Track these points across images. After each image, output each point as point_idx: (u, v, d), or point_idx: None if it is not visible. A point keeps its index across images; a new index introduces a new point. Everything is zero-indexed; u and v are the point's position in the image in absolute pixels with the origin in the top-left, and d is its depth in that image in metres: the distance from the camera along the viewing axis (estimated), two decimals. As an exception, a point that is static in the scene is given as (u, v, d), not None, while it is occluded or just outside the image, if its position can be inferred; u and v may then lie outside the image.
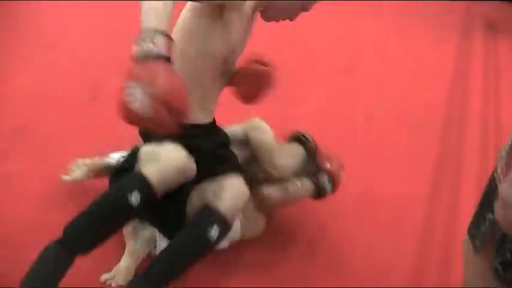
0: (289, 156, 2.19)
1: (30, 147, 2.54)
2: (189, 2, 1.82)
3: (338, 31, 4.06)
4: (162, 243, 2.00)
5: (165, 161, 1.79)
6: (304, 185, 2.18)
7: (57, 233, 1.71)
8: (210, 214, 1.82)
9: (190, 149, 1.86)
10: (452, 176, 2.72)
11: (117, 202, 1.74)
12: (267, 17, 1.91)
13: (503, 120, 3.19)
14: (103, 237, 1.74)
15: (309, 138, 2.24)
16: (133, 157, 1.91)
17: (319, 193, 2.20)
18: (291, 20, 1.92)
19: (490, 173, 1.38)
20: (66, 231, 1.71)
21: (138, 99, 1.35)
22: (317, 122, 3.00)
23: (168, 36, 1.39)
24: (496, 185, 1.36)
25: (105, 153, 2.34)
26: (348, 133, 2.95)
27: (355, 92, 2.99)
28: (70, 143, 2.66)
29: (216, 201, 1.84)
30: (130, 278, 1.90)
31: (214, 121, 2.04)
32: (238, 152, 2.11)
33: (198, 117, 1.94)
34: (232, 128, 2.17)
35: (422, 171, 2.72)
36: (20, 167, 2.40)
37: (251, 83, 2.06)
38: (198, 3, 1.78)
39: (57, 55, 3.40)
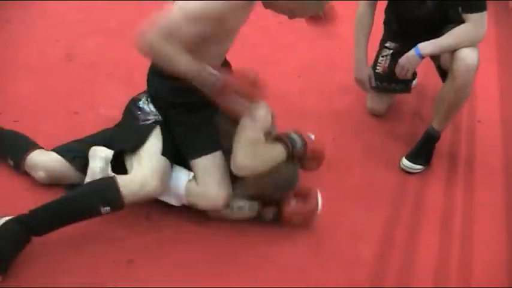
0: (259, 156, 1.99)
1: (4, 108, 2.52)
2: None
3: None
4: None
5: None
6: (246, 213, 2.11)
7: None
8: (111, 195, 1.89)
9: None
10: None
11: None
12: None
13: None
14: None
15: (296, 143, 2.04)
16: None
17: (291, 152, 2.04)
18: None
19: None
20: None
21: None
22: (294, 84, 3.04)
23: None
24: None
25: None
26: (324, 100, 2.98)
27: (333, 57, 2.99)
28: (44, 103, 2.65)
29: (127, 179, 1.93)
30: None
31: None
32: None
33: None
34: None
35: (397, 141, 2.77)
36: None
37: None
38: None
39: (32, 15, 3.37)
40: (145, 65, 2.10)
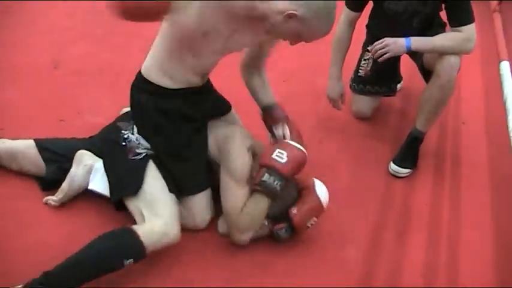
0: (251, 223, 2.04)
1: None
2: None
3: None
4: (97, 175, 2.09)
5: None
6: (258, 232, 2.09)
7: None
8: (135, 248, 1.84)
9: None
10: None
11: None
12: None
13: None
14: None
15: (273, 184, 1.97)
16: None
17: (273, 238, 2.09)
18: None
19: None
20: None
21: None
22: (280, 88, 3.03)
23: None
24: None
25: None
26: (310, 104, 2.99)
27: (319, 61, 3.00)
28: (30, 110, 2.64)
29: (146, 229, 1.88)
30: (64, 197, 2.11)
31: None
32: None
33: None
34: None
35: (384, 143, 2.78)
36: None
37: None
38: None
39: (17, 22, 3.35)
40: (131, 71, 2.11)
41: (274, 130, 2.19)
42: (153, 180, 2.00)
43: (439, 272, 2.11)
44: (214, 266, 2.03)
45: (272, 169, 1.97)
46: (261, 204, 2.02)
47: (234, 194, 2.02)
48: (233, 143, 2.05)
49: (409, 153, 2.59)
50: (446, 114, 2.96)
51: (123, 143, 2.05)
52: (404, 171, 2.56)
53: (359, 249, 2.17)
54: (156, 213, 1.93)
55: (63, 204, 2.14)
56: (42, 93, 2.79)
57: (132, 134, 2.07)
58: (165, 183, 2.01)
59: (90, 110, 2.67)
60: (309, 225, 2.07)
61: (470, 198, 2.49)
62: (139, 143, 2.05)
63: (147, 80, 2.01)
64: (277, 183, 1.98)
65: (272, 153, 2.00)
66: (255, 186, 2.01)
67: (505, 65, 3.23)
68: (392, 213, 2.38)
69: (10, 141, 2.24)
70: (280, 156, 1.98)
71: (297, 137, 2.19)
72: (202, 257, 2.06)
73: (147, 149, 2.05)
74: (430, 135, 2.67)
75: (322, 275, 2.05)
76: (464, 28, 2.36)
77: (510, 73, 3.08)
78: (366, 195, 2.45)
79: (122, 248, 1.84)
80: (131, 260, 1.83)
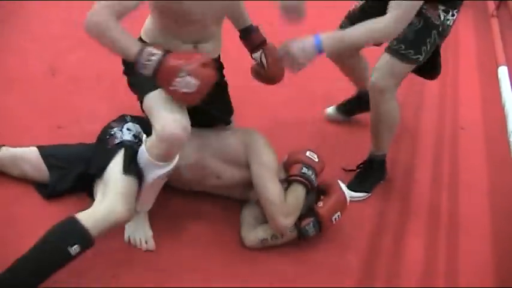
0: (293, 209, 2.09)
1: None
2: None
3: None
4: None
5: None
6: (285, 236, 2.12)
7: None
8: (73, 231, 1.77)
9: None
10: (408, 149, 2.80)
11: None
12: None
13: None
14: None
15: (311, 177, 2.15)
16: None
17: (301, 236, 2.13)
18: None
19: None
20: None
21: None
22: (277, 93, 3.04)
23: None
24: None
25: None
26: (307, 109, 2.99)
27: (315, 66, 2.98)
28: (27, 117, 2.64)
29: (88, 211, 1.84)
30: None
31: None
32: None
33: None
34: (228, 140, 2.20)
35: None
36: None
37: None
38: None
39: (13, 30, 3.35)
40: (128, 78, 2.10)
41: (253, 55, 2.21)
42: (115, 165, 1.96)
43: (438, 275, 2.11)
44: (215, 271, 2.03)
45: (309, 165, 2.16)
46: (300, 193, 2.13)
47: (276, 183, 2.09)
48: (259, 140, 2.15)
49: (366, 176, 2.51)
50: (444, 120, 2.96)
51: (107, 137, 2.08)
52: (358, 196, 2.46)
53: (358, 254, 2.17)
54: (104, 193, 1.90)
55: (63, 211, 2.12)
56: (40, 100, 2.78)
57: (120, 131, 2.09)
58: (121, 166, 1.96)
59: (88, 117, 2.66)
60: (333, 220, 2.13)
61: (469, 203, 2.48)
62: (122, 138, 2.06)
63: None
64: (314, 177, 2.16)
65: (305, 153, 2.21)
66: (295, 177, 2.14)
67: (503, 70, 3.23)
68: (391, 218, 2.37)
69: (13, 148, 2.24)
70: (313, 156, 2.21)
71: (273, 62, 2.19)
72: (203, 260, 2.06)
73: (128, 141, 2.05)
74: (429, 140, 2.66)
75: (322, 280, 2.05)
76: (403, 3, 1.95)
77: (508, 78, 3.08)
78: (363, 200, 2.45)
79: (62, 235, 1.77)
80: (76, 246, 1.74)
